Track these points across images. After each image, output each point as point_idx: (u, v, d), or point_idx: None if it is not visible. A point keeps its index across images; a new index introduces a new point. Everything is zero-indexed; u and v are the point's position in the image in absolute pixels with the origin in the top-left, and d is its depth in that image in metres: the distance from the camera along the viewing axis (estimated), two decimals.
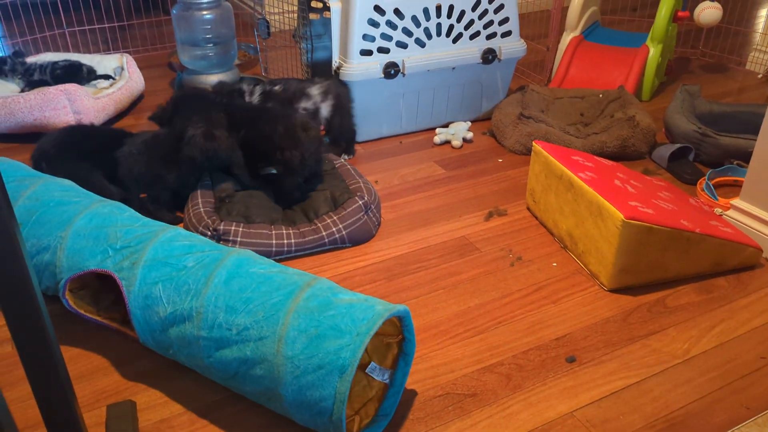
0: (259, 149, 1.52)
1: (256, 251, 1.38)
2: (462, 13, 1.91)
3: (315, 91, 1.78)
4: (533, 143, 1.55)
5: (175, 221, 1.52)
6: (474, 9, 1.92)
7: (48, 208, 1.22)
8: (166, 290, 1.06)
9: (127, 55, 2.25)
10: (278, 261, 1.42)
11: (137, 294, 1.07)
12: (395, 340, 1.10)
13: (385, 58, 1.86)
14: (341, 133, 1.84)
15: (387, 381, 1.08)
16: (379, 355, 1.09)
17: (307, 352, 0.93)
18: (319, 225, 1.44)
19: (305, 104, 1.78)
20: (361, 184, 1.55)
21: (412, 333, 1.08)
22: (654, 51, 2.21)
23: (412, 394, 1.10)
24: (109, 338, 1.21)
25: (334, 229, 1.44)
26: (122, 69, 2.20)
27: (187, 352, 1.04)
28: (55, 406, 0.82)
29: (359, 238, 1.49)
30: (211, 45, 2.18)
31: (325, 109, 1.80)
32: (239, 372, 0.99)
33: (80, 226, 1.18)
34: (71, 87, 1.90)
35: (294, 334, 0.95)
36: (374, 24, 1.82)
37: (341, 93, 1.81)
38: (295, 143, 1.48)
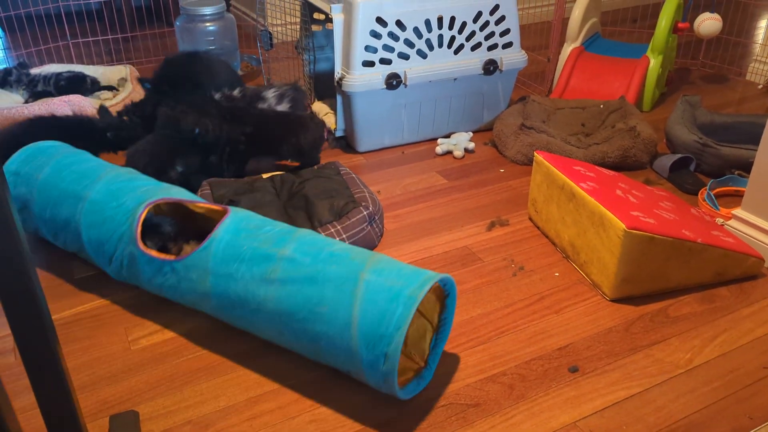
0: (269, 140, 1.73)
1: None
2: (463, 24, 1.92)
3: (270, 94, 1.89)
4: (535, 153, 1.56)
5: None
6: (475, 20, 1.94)
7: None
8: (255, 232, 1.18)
9: (131, 66, 2.27)
10: None
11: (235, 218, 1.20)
12: (416, 367, 1.13)
13: (387, 69, 1.87)
14: None
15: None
16: None
17: (400, 263, 1.08)
18: (323, 234, 1.45)
19: (261, 105, 1.86)
20: (366, 194, 1.55)
21: (435, 361, 1.13)
22: (654, 62, 2.22)
23: (415, 404, 1.10)
24: (114, 348, 1.22)
25: (337, 239, 1.45)
26: (126, 80, 2.22)
27: (278, 239, 1.13)
28: (59, 416, 0.82)
29: (363, 247, 1.49)
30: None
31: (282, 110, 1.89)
32: (327, 259, 1.07)
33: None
34: (75, 98, 1.91)
35: (386, 258, 1.09)
36: (376, 35, 1.83)
37: (297, 97, 1.92)
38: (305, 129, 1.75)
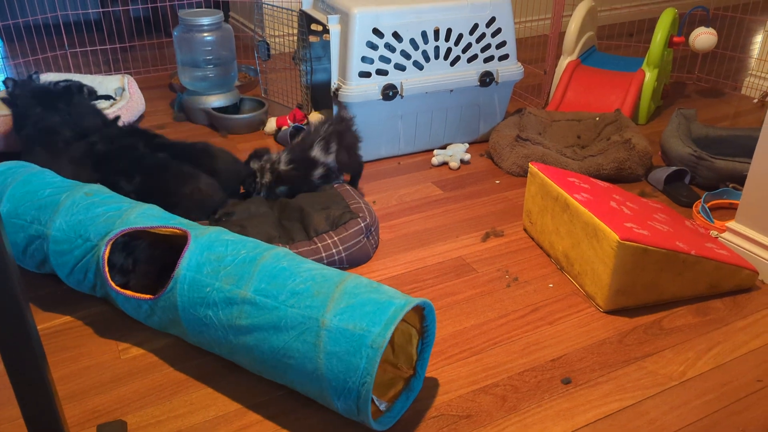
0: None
1: None
2: (460, 36, 1.93)
3: (317, 152, 1.63)
4: (529, 164, 1.56)
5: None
6: (472, 32, 1.94)
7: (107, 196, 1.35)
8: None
9: (129, 75, 2.27)
10: None
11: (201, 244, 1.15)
12: (405, 375, 1.11)
13: (383, 80, 1.87)
14: (347, 167, 1.73)
15: (383, 409, 1.08)
16: (381, 388, 1.11)
17: (370, 288, 1.04)
18: (319, 245, 1.44)
19: (318, 172, 1.64)
20: (362, 205, 1.55)
21: (424, 368, 1.11)
22: (650, 75, 2.23)
23: (406, 415, 1.09)
24: (104, 357, 1.21)
25: (333, 250, 1.44)
26: (123, 90, 2.22)
27: (239, 273, 1.08)
28: (44, 426, 0.81)
29: (358, 260, 1.49)
30: (211, 66, 2.20)
31: (331, 157, 1.65)
32: (288, 300, 1.03)
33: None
34: None
35: (354, 283, 1.05)
36: (373, 47, 1.84)
37: (342, 130, 1.66)
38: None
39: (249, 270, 1.08)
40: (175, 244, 1.27)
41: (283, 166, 1.63)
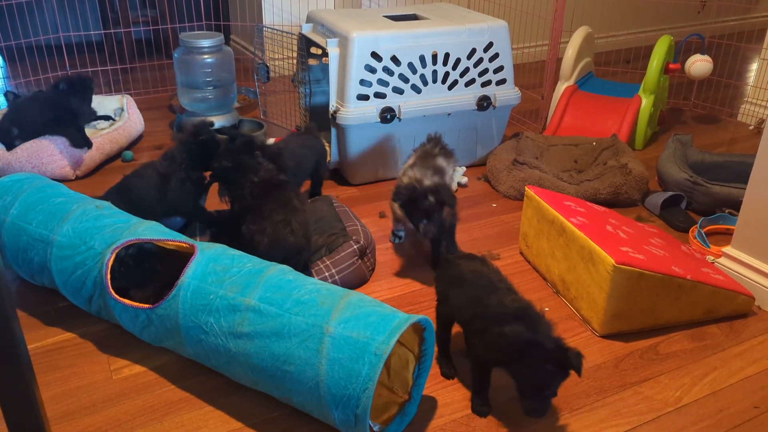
0: None
1: None
2: (458, 60, 1.95)
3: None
4: (526, 188, 1.56)
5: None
6: (469, 57, 1.96)
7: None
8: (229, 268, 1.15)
9: (128, 96, 2.28)
10: None
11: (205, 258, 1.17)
12: (400, 400, 1.11)
13: (381, 103, 1.89)
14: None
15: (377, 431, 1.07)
16: (375, 412, 1.10)
17: (374, 303, 1.06)
18: (312, 270, 1.43)
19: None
20: (359, 227, 1.54)
21: (419, 393, 1.11)
22: (646, 101, 2.25)
23: None
24: (96, 377, 1.20)
25: (326, 273, 1.44)
26: (122, 110, 2.23)
27: (245, 282, 1.09)
28: None
29: (353, 282, 1.48)
30: (210, 88, 2.22)
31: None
32: (292, 309, 1.04)
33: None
34: None
35: (358, 297, 1.06)
36: (371, 70, 1.86)
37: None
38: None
39: (255, 280, 1.09)
40: (176, 271, 1.26)
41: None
